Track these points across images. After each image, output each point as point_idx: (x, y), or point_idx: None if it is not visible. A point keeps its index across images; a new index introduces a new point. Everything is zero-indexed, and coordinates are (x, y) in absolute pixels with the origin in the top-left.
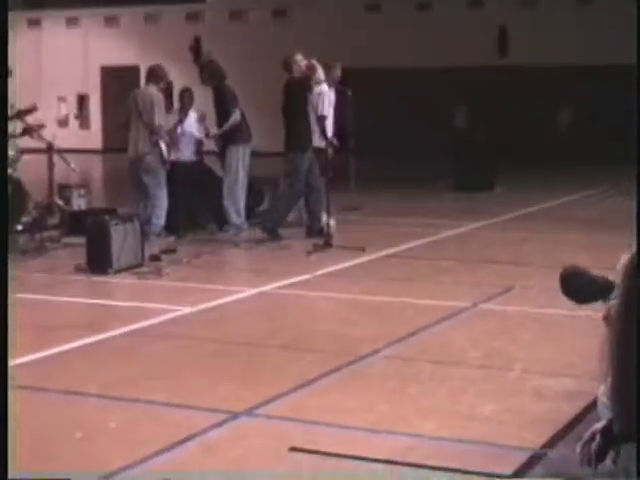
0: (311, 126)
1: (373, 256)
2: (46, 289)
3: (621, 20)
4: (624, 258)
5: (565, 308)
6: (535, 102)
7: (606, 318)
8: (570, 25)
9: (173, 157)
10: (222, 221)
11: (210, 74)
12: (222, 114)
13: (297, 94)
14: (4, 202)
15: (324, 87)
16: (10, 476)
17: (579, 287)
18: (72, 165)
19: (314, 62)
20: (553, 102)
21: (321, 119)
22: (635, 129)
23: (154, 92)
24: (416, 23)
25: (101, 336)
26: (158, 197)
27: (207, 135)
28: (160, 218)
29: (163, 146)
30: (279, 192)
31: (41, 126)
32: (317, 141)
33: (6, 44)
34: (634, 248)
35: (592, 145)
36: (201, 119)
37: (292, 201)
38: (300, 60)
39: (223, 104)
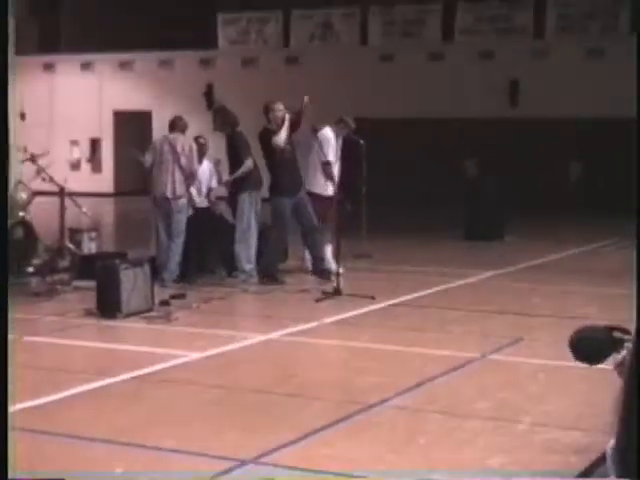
0: (314, 172)
1: (383, 304)
2: (56, 332)
3: (631, 72)
4: None
5: (573, 360)
6: (547, 154)
7: (618, 367)
8: (581, 77)
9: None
10: (232, 267)
11: (222, 121)
12: (234, 161)
13: (267, 143)
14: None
15: (327, 132)
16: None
17: (589, 351)
18: (83, 209)
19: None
20: (565, 154)
21: (325, 165)
22: None
23: (191, 140)
24: (428, 73)
25: (109, 381)
26: (177, 243)
27: (220, 182)
28: (176, 264)
29: (194, 192)
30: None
31: (42, 170)
32: (319, 188)
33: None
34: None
35: (604, 197)
36: (216, 165)
37: (277, 245)
38: (278, 109)
39: (235, 151)
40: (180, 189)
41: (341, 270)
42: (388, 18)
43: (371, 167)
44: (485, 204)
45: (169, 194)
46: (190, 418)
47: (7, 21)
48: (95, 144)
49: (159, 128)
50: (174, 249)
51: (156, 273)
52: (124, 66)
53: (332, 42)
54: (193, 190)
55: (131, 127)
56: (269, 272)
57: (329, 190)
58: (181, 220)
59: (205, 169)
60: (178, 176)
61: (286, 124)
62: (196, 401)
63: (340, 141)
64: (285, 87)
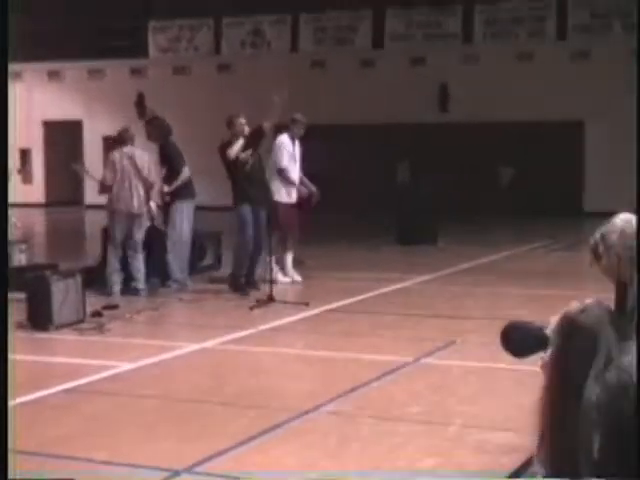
0: (274, 180)
1: (316, 311)
2: None
3: (559, 76)
4: (554, 318)
5: (505, 362)
6: (477, 158)
7: (543, 367)
8: (510, 82)
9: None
10: (164, 276)
11: (156, 131)
12: (169, 170)
13: (224, 155)
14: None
15: (282, 138)
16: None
17: (518, 342)
18: (13, 219)
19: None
20: (495, 158)
21: (280, 172)
22: (577, 184)
23: (146, 154)
24: (360, 79)
25: (40, 393)
26: (141, 256)
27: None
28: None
29: (153, 205)
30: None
31: None
32: (279, 196)
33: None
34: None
35: (534, 200)
36: None
37: (240, 253)
38: (239, 123)
39: (170, 161)
40: (143, 204)
41: (299, 278)
42: (319, 24)
43: (304, 173)
44: (417, 208)
45: (135, 210)
46: (123, 429)
47: (7, 21)
48: (25, 154)
49: (90, 138)
50: (140, 263)
51: (93, 283)
52: (54, 75)
53: (263, 49)
54: (152, 204)
55: (61, 137)
56: (234, 282)
57: (291, 197)
58: (141, 236)
59: None
60: (141, 191)
61: (241, 138)
62: (129, 412)
63: (297, 143)
64: (217, 95)
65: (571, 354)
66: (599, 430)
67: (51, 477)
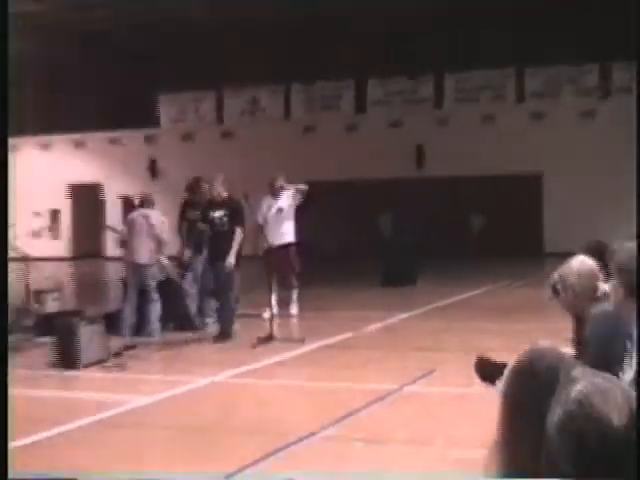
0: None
1: (312, 346)
2: (22, 384)
3: (521, 135)
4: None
5: (480, 387)
6: (450, 208)
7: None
8: (477, 141)
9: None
10: (182, 321)
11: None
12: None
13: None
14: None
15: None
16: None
17: (484, 371)
18: (47, 272)
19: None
20: (466, 208)
21: (258, 227)
22: (537, 229)
23: (162, 217)
24: (345, 141)
25: (67, 427)
26: (156, 304)
27: None
28: (157, 321)
29: (164, 260)
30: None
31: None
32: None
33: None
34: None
35: (501, 243)
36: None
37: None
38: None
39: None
40: (153, 257)
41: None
42: (309, 94)
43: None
44: (399, 255)
45: (145, 261)
46: (143, 456)
47: (7, 21)
48: (54, 214)
49: (110, 198)
50: (154, 309)
51: (114, 327)
52: (79, 144)
53: (260, 117)
54: (163, 259)
55: (85, 198)
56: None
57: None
58: (154, 285)
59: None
60: (152, 245)
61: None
62: (148, 441)
63: (276, 202)
64: (220, 159)
65: (527, 400)
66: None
67: (52, 477)
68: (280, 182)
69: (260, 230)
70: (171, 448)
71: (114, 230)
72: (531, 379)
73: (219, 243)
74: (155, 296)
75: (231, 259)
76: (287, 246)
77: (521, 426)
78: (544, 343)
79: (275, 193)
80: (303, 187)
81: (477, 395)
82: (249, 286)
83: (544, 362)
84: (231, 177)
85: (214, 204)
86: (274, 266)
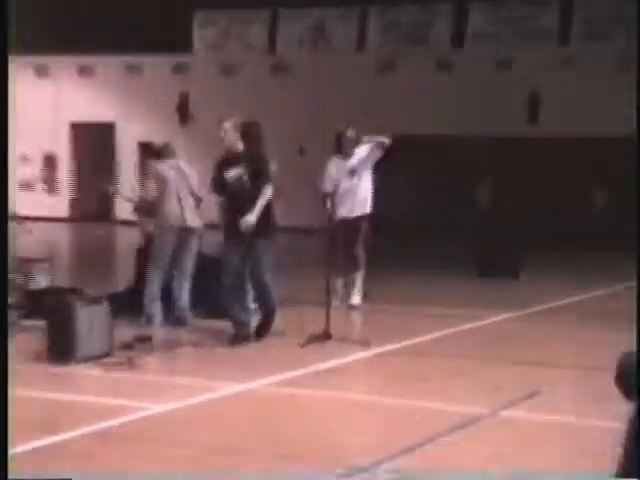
0: None
1: (379, 350)
2: None
3: None
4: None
5: (600, 417)
6: (568, 178)
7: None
8: (615, 90)
9: None
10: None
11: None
12: None
13: None
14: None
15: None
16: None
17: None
18: (32, 233)
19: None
20: (588, 179)
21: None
22: None
23: (192, 168)
24: (436, 85)
25: (57, 438)
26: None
27: None
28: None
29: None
30: None
31: None
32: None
33: None
34: None
35: (632, 228)
36: None
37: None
38: (228, 129)
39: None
40: (198, 218)
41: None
42: (390, 19)
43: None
44: (498, 236)
45: (189, 223)
46: None
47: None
48: (50, 161)
49: (124, 143)
50: (188, 288)
51: (129, 312)
52: (85, 71)
53: (324, 47)
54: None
55: (92, 141)
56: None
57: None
58: (195, 255)
59: None
60: (192, 204)
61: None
62: (160, 461)
63: (346, 162)
64: (271, 100)
65: None
66: None
67: (51, 477)
68: (351, 134)
69: (327, 199)
70: (188, 474)
71: (119, 195)
72: None
73: (239, 211)
74: (189, 276)
75: (252, 217)
76: (361, 218)
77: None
78: None
79: (345, 150)
80: (385, 140)
81: (594, 428)
82: (294, 266)
83: None
84: (283, 124)
85: (231, 159)
86: (343, 243)
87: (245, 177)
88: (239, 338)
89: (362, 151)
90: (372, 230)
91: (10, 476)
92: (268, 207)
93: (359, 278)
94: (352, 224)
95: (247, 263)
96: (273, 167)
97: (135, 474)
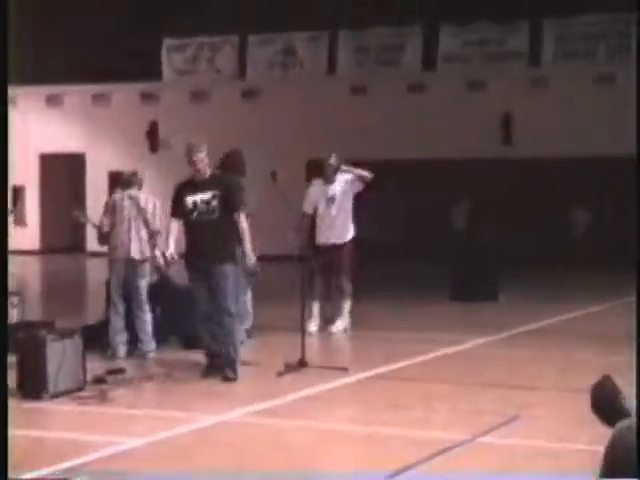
0: None
1: (357, 377)
2: None
3: None
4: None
5: (581, 442)
6: (547, 199)
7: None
8: (585, 109)
9: None
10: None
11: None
12: None
13: None
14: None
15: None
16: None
17: (607, 406)
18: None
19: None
20: (568, 199)
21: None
22: None
23: (154, 200)
24: (408, 108)
25: (30, 475)
26: (146, 312)
27: None
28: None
29: (158, 253)
30: None
31: None
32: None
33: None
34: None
35: (612, 249)
36: None
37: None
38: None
39: None
40: (146, 250)
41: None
42: (360, 43)
43: None
44: (475, 258)
45: (135, 255)
46: None
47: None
48: (18, 193)
49: (94, 173)
50: (146, 319)
51: (101, 345)
52: (53, 101)
53: (294, 72)
54: (157, 252)
55: (61, 172)
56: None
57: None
58: (144, 287)
59: None
60: (144, 236)
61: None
62: None
63: (328, 188)
64: (241, 125)
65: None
66: None
67: (50, 477)
68: (334, 162)
69: (306, 221)
70: None
71: (87, 221)
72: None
73: (206, 239)
74: (144, 304)
75: (251, 258)
76: (338, 247)
77: None
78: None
79: (326, 176)
80: (367, 175)
81: (577, 452)
82: (269, 294)
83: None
84: (255, 149)
85: (198, 183)
86: (322, 268)
87: (214, 202)
88: (211, 368)
89: (343, 179)
90: (356, 258)
91: (10, 476)
92: (232, 233)
93: (346, 307)
94: (330, 251)
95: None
96: (254, 197)
97: (135, 474)
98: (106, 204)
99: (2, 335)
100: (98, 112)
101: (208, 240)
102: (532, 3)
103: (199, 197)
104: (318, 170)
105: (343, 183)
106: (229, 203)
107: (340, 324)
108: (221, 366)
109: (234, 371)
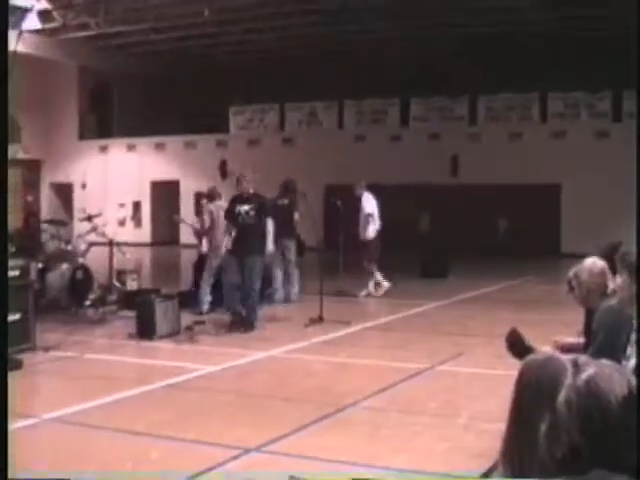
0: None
1: (357, 328)
2: (106, 351)
3: (543, 150)
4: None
5: (501, 368)
6: (480, 211)
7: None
8: (505, 153)
9: None
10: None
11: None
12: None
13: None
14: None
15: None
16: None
17: (516, 347)
18: (127, 255)
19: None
20: (493, 212)
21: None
22: (555, 232)
23: None
24: (390, 150)
25: (146, 388)
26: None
27: None
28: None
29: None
30: None
31: (96, 226)
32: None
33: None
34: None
35: (523, 244)
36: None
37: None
38: (250, 179)
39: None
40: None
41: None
42: (359, 108)
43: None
44: (434, 250)
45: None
46: (208, 417)
47: (7, 15)
48: (137, 206)
49: (185, 193)
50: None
51: (190, 304)
52: (159, 146)
53: (317, 127)
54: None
55: (164, 192)
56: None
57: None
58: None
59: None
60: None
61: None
62: (213, 404)
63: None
64: (282, 162)
65: (530, 407)
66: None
67: (50, 477)
68: (360, 189)
69: (370, 218)
70: (233, 411)
71: (182, 221)
72: (536, 390)
73: (246, 236)
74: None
75: (270, 246)
76: (367, 240)
77: (523, 427)
78: (544, 353)
79: (357, 198)
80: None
81: (501, 375)
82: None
83: (547, 372)
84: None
85: (242, 199)
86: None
87: (252, 212)
88: (233, 325)
89: (368, 197)
90: (374, 247)
91: (10, 476)
92: (263, 233)
93: (372, 278)
94: (362, 243)
95: (243, 273)
96: (296, 216)
97: (133, 474)
98: (204, 210)
99: (2, 334)
100: (188, 153)
101: (247, 237)
102: (471, 85)
103: (244, 208)
104: (335, 192)
105: (370, 201)
106: (262, 213)
107: (364, 292)
108: (242, 323)
109: (252, 327)
